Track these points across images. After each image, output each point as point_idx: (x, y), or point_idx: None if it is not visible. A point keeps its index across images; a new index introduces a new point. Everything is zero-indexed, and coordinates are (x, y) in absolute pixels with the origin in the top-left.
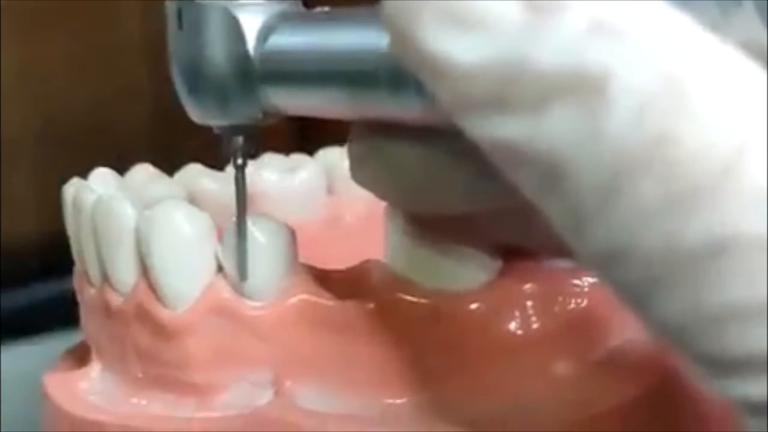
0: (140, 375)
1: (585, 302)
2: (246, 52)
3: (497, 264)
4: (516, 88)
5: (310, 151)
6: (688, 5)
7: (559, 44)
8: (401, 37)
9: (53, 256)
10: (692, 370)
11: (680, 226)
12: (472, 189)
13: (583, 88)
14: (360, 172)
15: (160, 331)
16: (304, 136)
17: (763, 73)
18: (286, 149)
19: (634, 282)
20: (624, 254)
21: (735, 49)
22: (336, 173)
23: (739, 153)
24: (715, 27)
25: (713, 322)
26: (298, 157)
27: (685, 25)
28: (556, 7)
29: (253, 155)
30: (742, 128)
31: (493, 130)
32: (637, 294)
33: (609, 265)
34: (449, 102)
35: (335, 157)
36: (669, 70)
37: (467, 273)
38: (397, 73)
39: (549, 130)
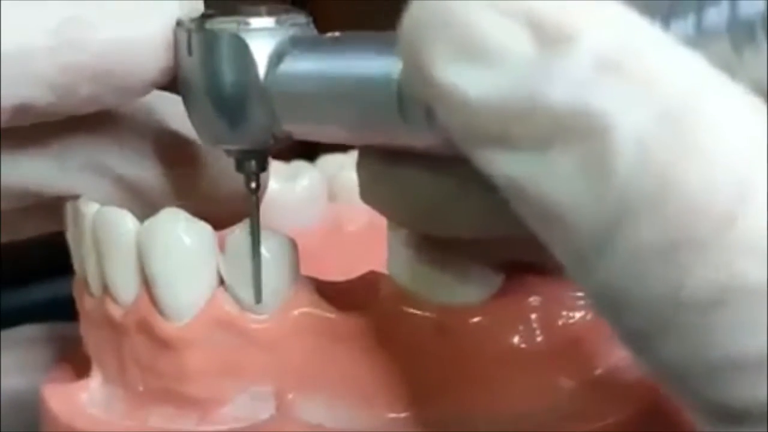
0: (141, 388)
1: (588, 317)
2: (256, 77)
3: (500, 278)
4: (522, 127)
5: (311, 158)
6: (700, 41)
7: (565, 83)
8: (415, 67)
9: (53, 256)
10: (693, 416)
11: (681, 275)
12: (483, 216)
13: (586, 131)
14: (369, 194)
15: (162, 344)
16: (305, 143)
17: None
18: (286, 156)
19: (635, 327)
20: (624, 300)
21: (744, 90)
22: (337, 180)
23: (741, 201)
24: (727, 64)
25: (714, 373)
26: (298, 165)
27: (694, 63)
28: (564, 41)
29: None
30: (744, 176)
31: (498, 165)
32: (637, 339)
33: (610, 308)
34: (459, 134)
35: (336, 165)
36: (673, 112)
37: (470, 287)
38: (408, 101)
39: (551, 172)
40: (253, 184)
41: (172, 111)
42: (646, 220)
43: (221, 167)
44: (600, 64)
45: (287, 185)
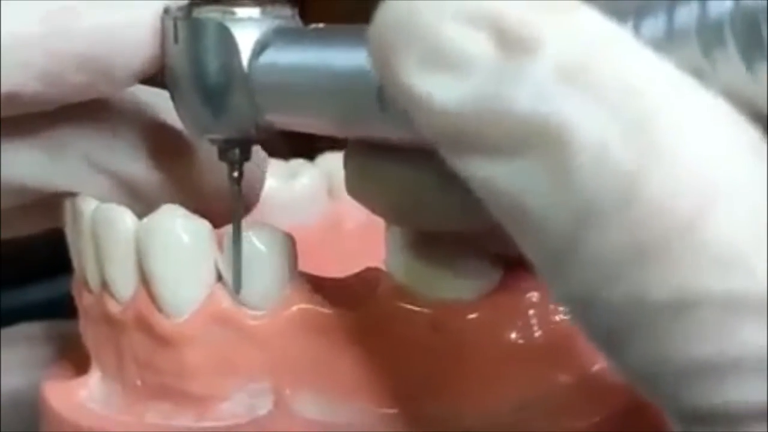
0: (139, 384)
1: None
2: (240, 66)
3: (498, 274)
4: (487, 133)
5: (310, 156)
6: (669, 44)
7: (528, 91)
8: (384, 71)
9: (52, 254)
10: (666, 417)
11: (644, 280)
12: (465, 208)
13: (548, 138)
14: (355, 188)
15: (160, 340)
16: (304, 141)
17: (741, 123)
18: (286, 155)
19: (604, 330)
20: (592, 302)
21: (714, 96)
22: (336, 178)
23: (703, 208)
24: (698, 69)
25: (679, 376)
26: (298, 163)
27: (660, 69)
28: (528, 49)
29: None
30: (707, 183)
31: (469, 168)
32: (607, 342)
33: (579, 310)
34: (429, 136)
35: (335, 163)
36: (636, 119)
37: (467, 283)
38: (386, 96)
39: (517, 177)
40: (236, 173)
41: (165, 107)
42: (610, 225)
43: (215, 163)
44: (562, 72)
45: (286, 183)
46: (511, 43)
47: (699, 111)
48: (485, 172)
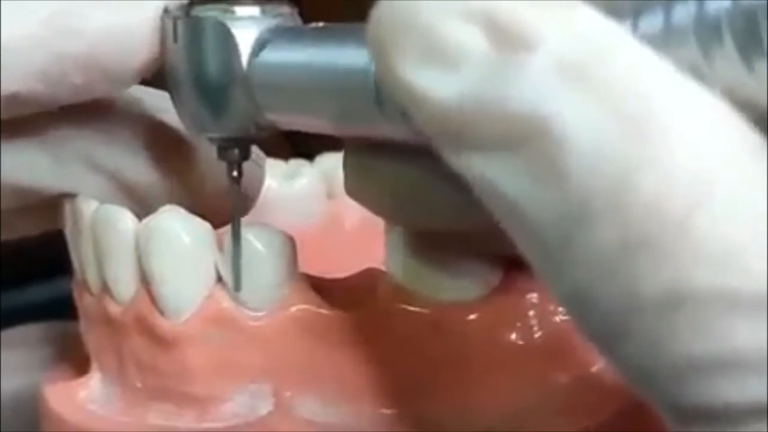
0: (139, 385)
1: None
2: (239, 65)
3: (498, 275)
4: (483, 129)
5: (310, 156)
6: (667, 42)
7: (523, 87)
8: (381, 67)
9: (53, 255)
10: (661, 416)
11: (636, 276)
12: (464, 207)
13: (541, 134)
14: (354, 188)
15: (160, 341)
16: (303, 141)
17: (740, 121)
18: (285, 155)
19: (599, 328)
20: (587, 300)
21: (712, 94)
22: (335, 179)
23: (696, 207)
24: (695, 68)
25: (673, 374)
26: (297, 163)
27: (656, 67)
28: (524, 45)
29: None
30: (704, 179)
31: (465, 164)
32: (602, 340)
33: (575, 308)
34: (425, 131)
35: (334, 163)
36: (630, 116)
37: (467, 284)
38: (384, 95)
39: (511, 173)
40: (235, 173)
41: (165, 108)
42: (603, 222)
43: (215, 164)
44: (560, 68)
45: (286, 183)
46: (510, 39)
47: (696, 109)
48: (480, 169)
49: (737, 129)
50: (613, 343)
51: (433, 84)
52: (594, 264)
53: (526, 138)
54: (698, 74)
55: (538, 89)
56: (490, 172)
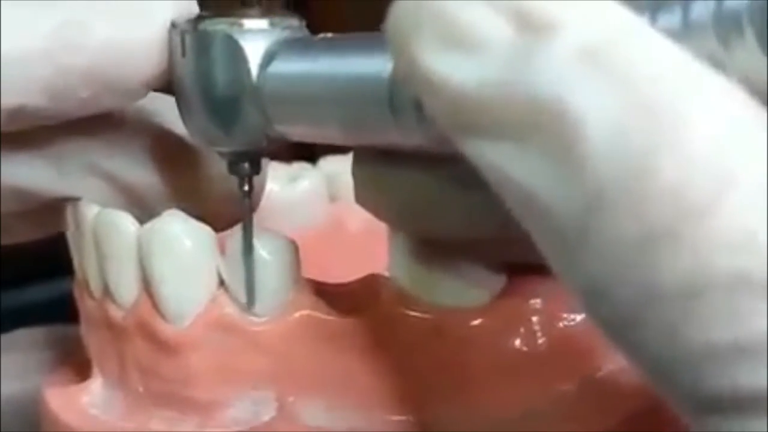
0: (141, 390)
1: None
2: (249, 78)
3: (502, 281)
4: (502, 115)
5: (312, 159)
6: (686, 36)
7: (544, 73)
8: (401, 53)
9: (53, 256)
10: (674, 406)
11: (656, 265)
12: (473, 217)
13: (560, 121)
14: (364, 196)
15: (162, 346)
16: (306, 145)
17: (760, 110)
18: (287, 158)
19: (617, 320)
20: (604, 291)
21: (732, 84)
22: (338, 181)
23: (717, 196)
24: (714, 59)
25: (694, 363)
26: (299, 166)
27: (677, 56)
28: (547, 31)
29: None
30: (722, 171)
31: (480, 152)
32: (620, 332)
33: (592, 301)
34: (443, 122)
35: (337, 166)
36: (650, 104)
37: (471, 290)
38: (398, 99)
39: (529, 160)
40: (246, 187)
41: (168, 113)
42: (621, 210)
43: (219, 169)
44: (580, 55)
45: (288, 187)
46: (532, 24)
47: (716, 99)
48: (495, 157)
49: (756, 117)
50: (630, 333)
51: (454, 69)
52: (611, 253)
53: (544, 123)
54: (717, 64)
55: (559, 75)
56: (506, 159)
